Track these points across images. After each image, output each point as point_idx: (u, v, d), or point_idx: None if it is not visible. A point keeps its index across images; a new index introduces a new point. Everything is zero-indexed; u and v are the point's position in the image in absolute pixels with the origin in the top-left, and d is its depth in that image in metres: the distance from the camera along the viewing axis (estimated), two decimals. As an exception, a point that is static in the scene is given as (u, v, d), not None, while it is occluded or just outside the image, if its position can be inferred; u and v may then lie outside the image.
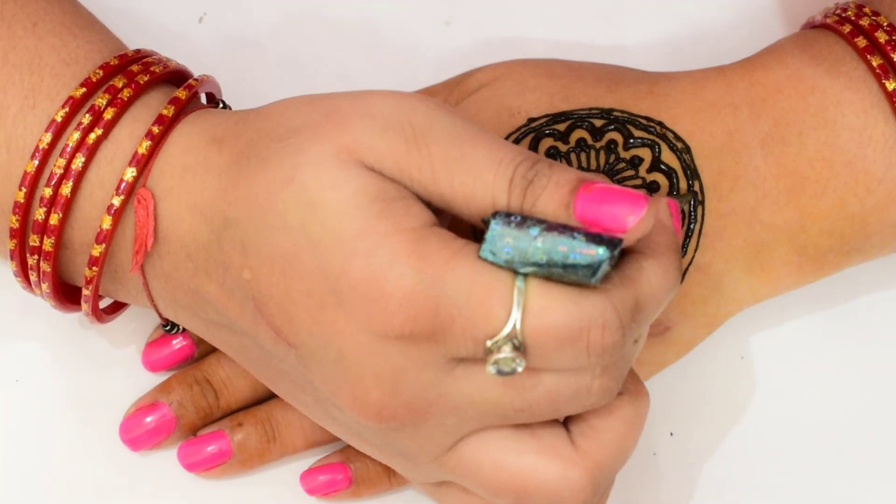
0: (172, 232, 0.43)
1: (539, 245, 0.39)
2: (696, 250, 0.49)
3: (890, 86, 0.47)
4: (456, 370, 0.41)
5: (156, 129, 0.44)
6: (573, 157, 0.49)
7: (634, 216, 0.40)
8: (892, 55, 0.47)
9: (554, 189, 0.40)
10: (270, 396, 0.50)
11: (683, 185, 0.49)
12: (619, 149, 0.49)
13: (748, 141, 0.48)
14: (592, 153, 0.49)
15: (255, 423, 0.50)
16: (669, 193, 0.49)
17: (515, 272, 0.40)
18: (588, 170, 0.49)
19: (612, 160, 0.49)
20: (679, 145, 0.49)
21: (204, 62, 0.53)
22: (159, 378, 0.50)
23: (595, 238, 0.39)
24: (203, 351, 0.51)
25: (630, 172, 0.49)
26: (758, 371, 0.51)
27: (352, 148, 0.41)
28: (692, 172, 0.49)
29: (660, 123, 0.49)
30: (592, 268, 0.39)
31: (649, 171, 0.49)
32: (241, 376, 0.50)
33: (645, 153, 0.49)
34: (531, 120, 0.50)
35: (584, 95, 0.50)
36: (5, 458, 0.50)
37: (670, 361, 0.50)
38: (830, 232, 0.48)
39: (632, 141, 0.49)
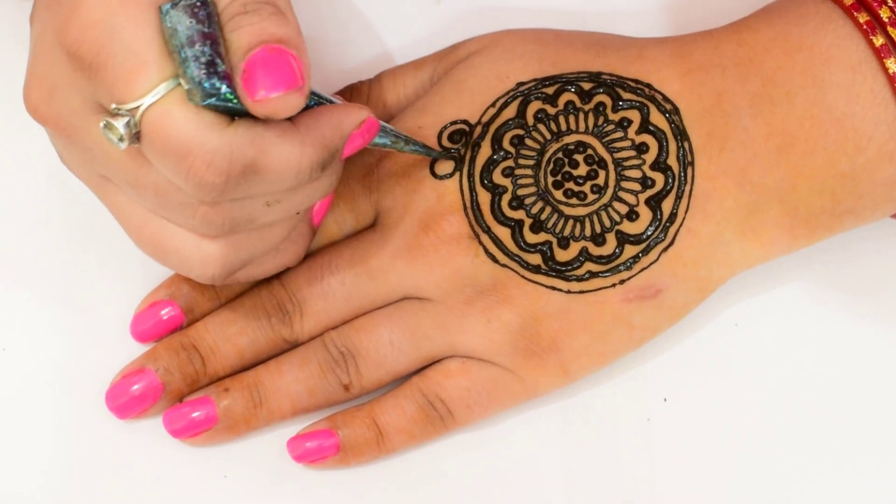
0: None
1: (189, 37, 0.41)
2: (686, 212, 0.48)
3: (877, 41, 0.47)
4: (98, 113, 0.43)
5: None
6: (562, 119, 0.49)
7: (265, 91, 0.41)
8: (878, 11, 0.47)
9: (252, 32, 0.41)
10: (258, 363, 0.50)
11: (673, 146, 0.49)
12: (608, 111, 0.49)
13: (737, 101, 0.48)
14: (581, 115, 0.49)
15: (242, 388, 0.49)
16: (658, 156, 0.48)
17: (179, 75, 0.41)
18: (577, 132, 0.49)
19: (600, 122, 0.49)
20: (668, 107, 0.49)
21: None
22: (146, 346, 0.50)
23: (220, 76, 0.41)
24: (193, 319, 0.50)
25: (619, 134, 0.49)
26: (751, 338, 0.51)
27: None
28: (681, 134, 0.49)
29: (648, 85, 0.49)
30: (194, 86, 0.40)
31: (638, 132, 0.49)
32: (228, 342, 0.49)
33: (634, 115, 0.49)
34: (520, 84, 0.50)
35: (572, 60, 0.50)
36: (-8, 427, 0.50)
37: (664, 327, 0.49)
38: (821, 191, 0.48)
39: (620, 103, 0.49)
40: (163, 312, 0.50)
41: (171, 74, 0.41)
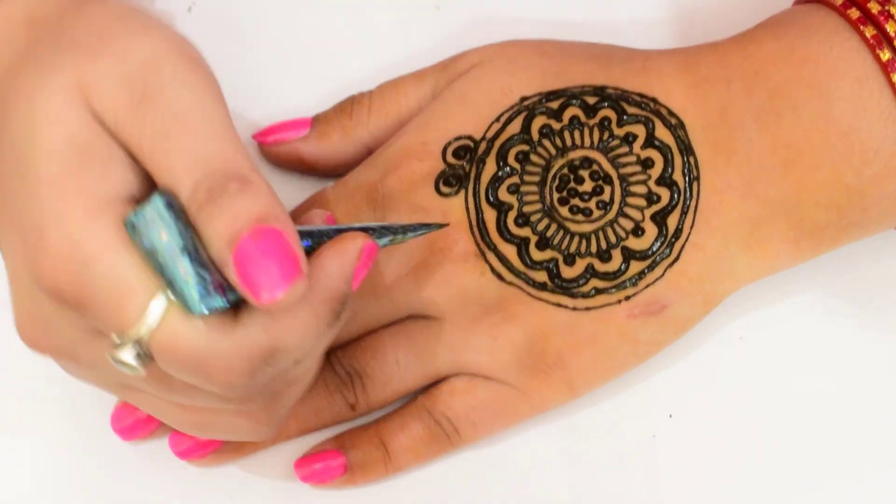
0: None
1: (166, 256, 0.38)
2: (692, 227, 0.48)
3: (884, 56, 0.47)
4: (101, 338, 0.41)
5: None
6: (567, 134, 0.49)
7: (269, 293, 0.38)
8: (885, 25, 0.47)
9: (228, 219, 0.38)
10: (263, 383, 0.49)
11: (679, 161, 0.48)
12: (613, 126, 0.49)
13: (742, 115, 0.48)
14: (586, 130, 0.49)
15: (248, 409, 0.49)
16: (664, 171, 0.48)
17: (166, 286, 0.39)
18: (582, 147, 0.49)
19: (605, 137, 0.49)
20: (673, 121, 0.49)
21: (193, 52, 0.53)
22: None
23: (211, 291, 0.39)
24: None
25: (624, 149, 0.49)
26: (757, 352, 0.51)
27: (86, 86, 0.40)
28: (686, 148, 0.48)
29: (653, 100, 0.49)
30: (190, 310, 0.39)
31: (643, 147, 0.49)
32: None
33: (639, 130, 0.49)
34: (523, 98, 0.49)
35: (576, 73, 0.50)
36: (-5, 449, 0.49)
37: (668, 342, 0.49)
38: (827, 205, 0.48)
39: (625, 118, 0.49)
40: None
41: (159, 288, 0.39)
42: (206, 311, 0.39)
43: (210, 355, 0.39)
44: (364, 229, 0.43)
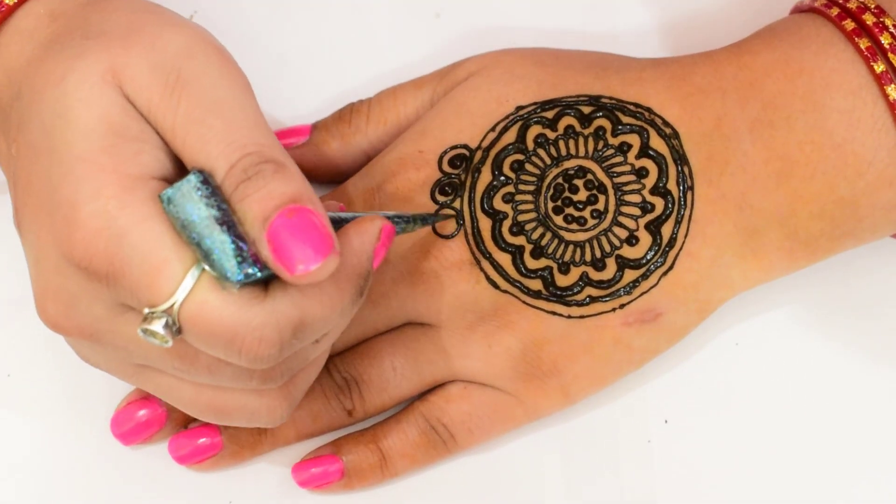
0: None
1: (203, 227, 0.39)
2: (686, 236, 0.48)
3: (878, 68, 0.47)
4: (127, 314, 0.42)
5: None
6: (562, 144, 0.49)
7: (304, 266, 0.39)
8: (879, 37, 0.47)
9: (263, 198, 0.40)
10: (262, 388, 0.50)
11: (673, 171, 0.49)
12: (608, 135, 0.49)
13: (737, 125, 0.48)
14: (581, 140, 0.49)
15: (247, 415, 0.50)
16: (658, 180, 0.49)
17: (202, 258, 0.40)
18: (577, 157, 0.49)
19: (600, 147, 0.49)
20: (668, 131, 0.49)
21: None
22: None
23: (247, 260, 0.39)
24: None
25: (619, 159, 0.49)
26: (752, 357, 0.51)
27: (118, 71, 0.41)
28: (681, 158, 0.49)
29: (648, 109, 0.49)
30: (225, 278, 0.39)
31: (638, 157, 0.49)
32: (231, 369, 0.50)
33: (633, 139, 0.49)
34: (519, 108, 0.50)
35: (572, 83, 0.50)
36: (-2, 453, 0.50)
37: (663, 349, 0.50)
38: (821, 216, 0.48)
39: (620, 127, 0.49)
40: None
41: (193, 261, 0.40)
42: (243, 279, 0.39)
43: (241, 326, 0.40)
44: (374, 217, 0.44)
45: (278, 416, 0.45)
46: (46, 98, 0.41)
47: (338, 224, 0.43)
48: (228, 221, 0.40)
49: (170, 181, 0.41)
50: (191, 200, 0.40)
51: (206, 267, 0.39)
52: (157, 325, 0.40)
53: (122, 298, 0.41)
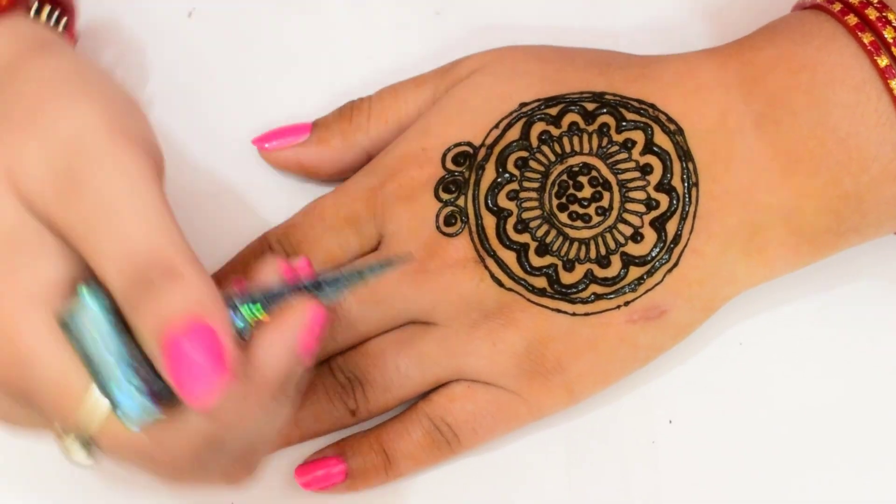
0: None
1: (99, 360, 0.38)
2: (690, 233, 0.48)
3: (881, 62, 0.47)
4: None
5: None
6: (566, 140, 0.49)
7: (197, 397, 0.37)
8: (882, 32, 0.47)
9: (158, 314, 0.38)
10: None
11: (677, 167, 0.48)
12: (612, 132, 0.49)
13: (741, 121, 0.48)
14: (585, 137, 0.49)
15: (249, 416, 0.49)
16: (662, 177, 0.48)
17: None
18: (581, 154, 0.49)
19: (604, 143, 0.49)
20: (672, 127, 0.49)
21: (193, 57, 0.53)
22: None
23: (145, 401, 0.38)
24: None
25: (623, 155, 0.49)
26: (757, 357, 0.51)
27: (13, 171, 0.39)
28: (685, 154, 0.49)
29: (652, 106, 0.49)
30: (125, 417, 0.38)
31: (642, 153, 0.49)
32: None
33: (637, 136, 0.49)
34: (522, 105, 0.49)
35: (575, 79, 0.50)
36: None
37: (668, 346, 0.49)
38: (826, 210, 0.48)
39: (624, 124, 0.49)
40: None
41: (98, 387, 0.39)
42: (144, 416, 0.38)
43: (153, 449, 0.39)
44: (318, 284, 0.42)
45: (242, 482, 0.44)
46: None
47: (272, 300, 0.40)
48: (124, 354, 0.38)
49: (77, 280, 0.39)
50: (85, 329, 0.38)
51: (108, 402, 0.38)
52: (70, 444, 0.39)
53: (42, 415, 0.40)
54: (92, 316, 0.38)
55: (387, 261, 0.44)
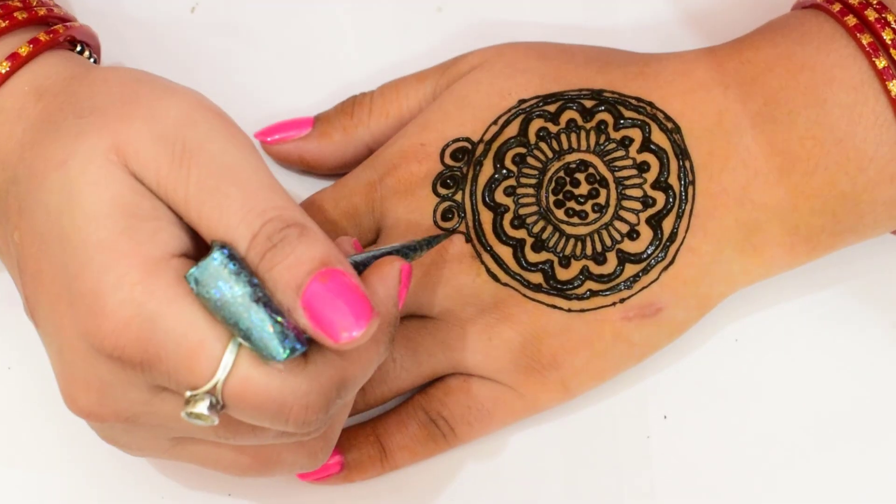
0: None
1: (239, 307, 0.39)
2: (686, 231, 0.48)
3: (880, 63, 0.47)
4: (163, 394, 0.41)
5: (5, 66, 0.44)
6: (564, 137, 0.49)
7: (348, 332, 0.39)
8: (881, 33, 0.47)
9: (293, 265, 0.39)
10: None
11: (674, 165, 0.49)
12: (610, 129, 0.49)
13: (738, 120, 0.48)
14: (583, 134, 0.49)
15: (248, 407, 0.49)
16: (659, 175, 0.49)
17: (239, 336, 0.39)
18: (578, 151, 0.49)
19: (602, 141, 0.49)
20: (669, 125, 0.49)
21: (196, 52, 0.54)
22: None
23: (289, 335, 0.39)
24: None
25: (620, 153, 0.49)
26: (752, 353, 0.51)
27: (122, 148, 0.40)
28: (682, 153, 0.49)
29: (650, 104, 0.49)
30: (269, 357, 0.39)
31: (640, 151, 0.49)
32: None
33: (635, 134, 0.49)
34: (521, 101, 0.50)
35: (574, 77, 0.50)
36: (-2, 445, 0.50)
37: (663, 344, 0.50)
38: (822, 211, 0.48)
39: (622, 121, 0.49)
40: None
41: (229, 337, 0.39)
42: (289, 355, 0.39)
43: (287, 397, 0.39)
44: (391, 251, 0.44)
45: (319, 460, 0.45)
46: (49, 183, 0.41)
47: (356, 269, 0.43)
48: (262, 297, 0.39)
49: (190, 255, 0.41)
50: (219, 279, 0.39)
51: (247, 345, 0.39)
52: (202, 407, 0.39)
53: (158, 382, 0.40)
54: (226, 264, 0.39)
55: (437, 237, 0.47)
